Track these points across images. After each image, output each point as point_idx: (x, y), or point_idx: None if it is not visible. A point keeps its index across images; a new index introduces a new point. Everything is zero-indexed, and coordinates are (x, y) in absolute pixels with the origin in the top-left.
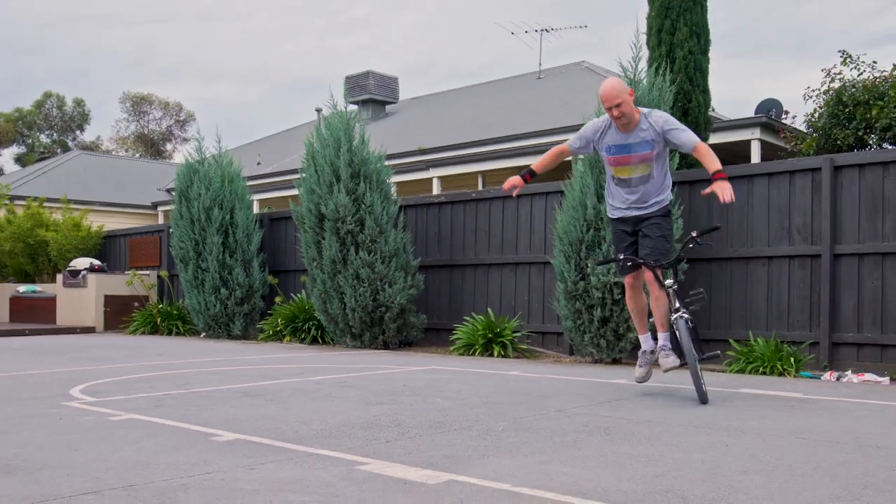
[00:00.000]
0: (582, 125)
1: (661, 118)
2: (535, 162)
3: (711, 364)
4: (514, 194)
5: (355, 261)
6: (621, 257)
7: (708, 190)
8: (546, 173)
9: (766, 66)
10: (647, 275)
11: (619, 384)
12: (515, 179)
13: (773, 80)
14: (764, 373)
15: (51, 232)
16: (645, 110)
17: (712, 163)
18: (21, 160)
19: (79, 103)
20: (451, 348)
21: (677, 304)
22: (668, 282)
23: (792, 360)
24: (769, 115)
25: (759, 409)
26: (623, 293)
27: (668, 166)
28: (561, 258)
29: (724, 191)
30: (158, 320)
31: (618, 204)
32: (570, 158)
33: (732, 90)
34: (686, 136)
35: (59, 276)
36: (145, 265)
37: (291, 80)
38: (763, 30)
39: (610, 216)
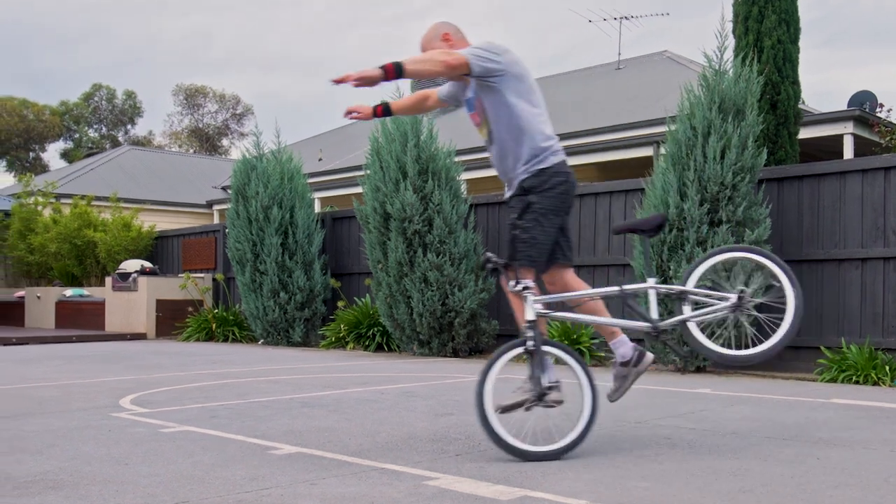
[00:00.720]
0: (664, 119)
1: None
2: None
3: (800, 372)
4: (349, 118)
5: (423, 263)
6: (487, 255)
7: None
8: (626, 170)
9: (858, 55)
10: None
11: (703, 394)
12: (361, 106)
13: (865, 71)
14: (857, 382)
15: (99, 232)
16: None
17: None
18: (68, 156)
19: (130, 95)
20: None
21: (530, 316)
22: (511, 283)
23: (887, 368)
24: (863, 109)
25: (850, 420)
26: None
27: (520, 122)
28: (641, 260)
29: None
30: (213, 326)
31: None
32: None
33: (822, 81)
34: None
35: (108, 280)
36: (200, 267)
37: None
38: (855, 17)
39: None
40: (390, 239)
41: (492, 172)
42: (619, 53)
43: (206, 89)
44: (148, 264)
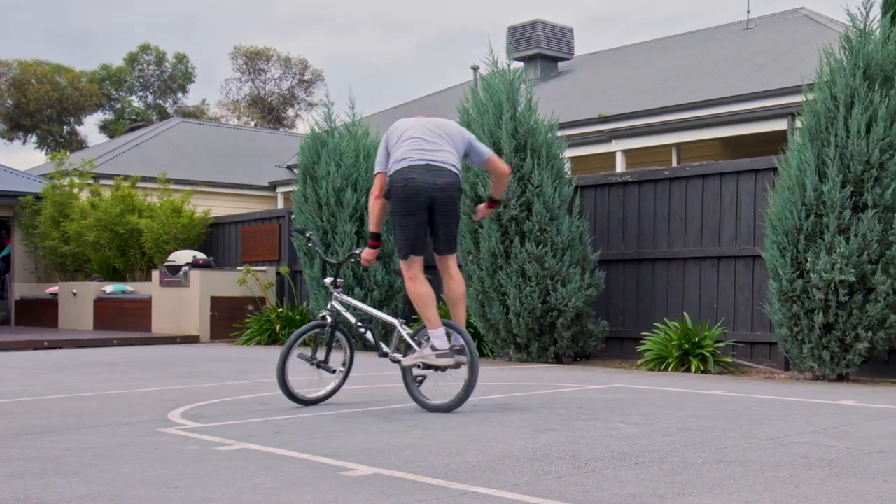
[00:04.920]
0: (800, 87)
1: None
2: (371, 222)
3: None
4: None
5: (520, 254)
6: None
7: None
8: (756, 146)
9: None
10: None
11: (845, 406)
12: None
13: None
14: None
15: (145, 219)
16: None
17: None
18: (108, 129)
19: (181, 59)
20: (639, 362)
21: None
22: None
23: None
24: None
25: None
26: (850, 294)
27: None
28: (774, 250)
29: None
30: (278, 328)
31: None
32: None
33: None
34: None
35: (155, 273)
36: (261, 259)
37: (442, 32)
38: None
39: None
40: (482, 226)
41: (600, 149)
42: (748, 11)
43: (269, 52)
44: (201, 256)
